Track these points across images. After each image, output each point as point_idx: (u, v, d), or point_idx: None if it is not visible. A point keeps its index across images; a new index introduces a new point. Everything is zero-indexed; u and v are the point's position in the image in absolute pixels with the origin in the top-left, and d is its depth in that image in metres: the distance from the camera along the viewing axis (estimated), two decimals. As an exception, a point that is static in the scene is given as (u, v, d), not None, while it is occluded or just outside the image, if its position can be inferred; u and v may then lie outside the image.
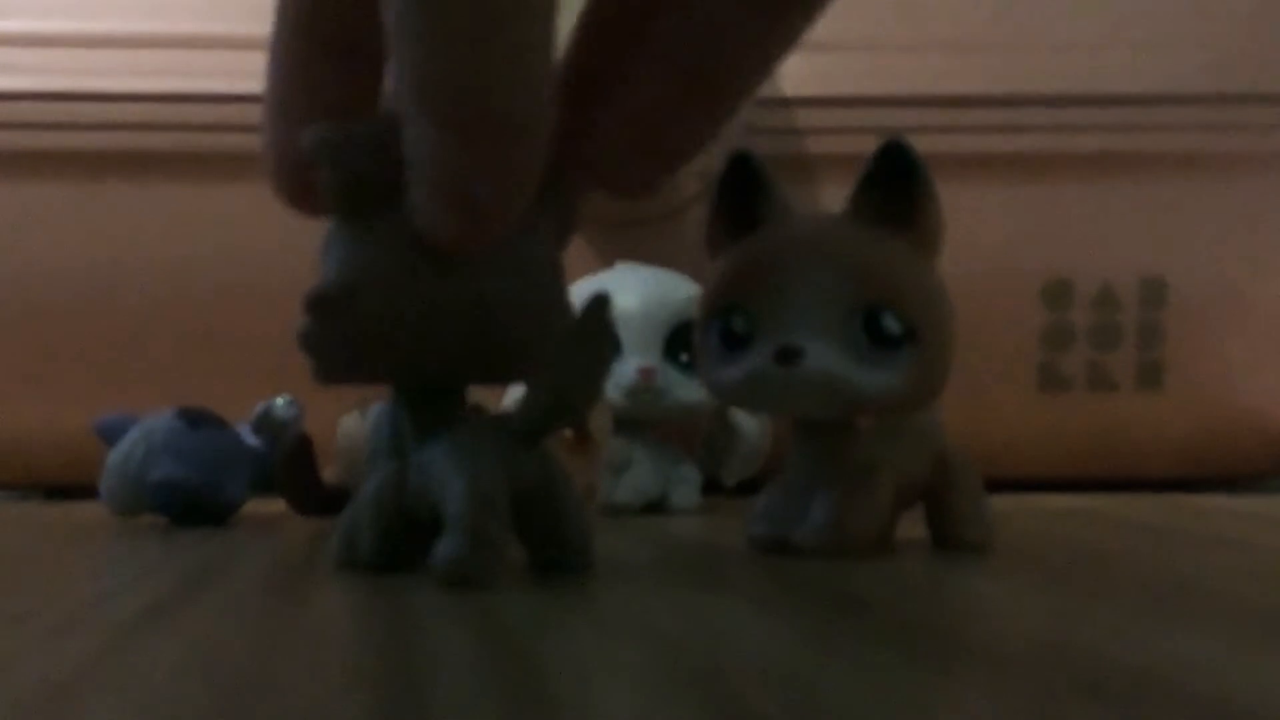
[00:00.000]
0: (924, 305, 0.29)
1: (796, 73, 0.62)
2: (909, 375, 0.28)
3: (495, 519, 0.25)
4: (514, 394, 0.43)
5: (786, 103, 0.62)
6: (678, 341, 0.47)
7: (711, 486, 0.51)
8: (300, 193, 0.27)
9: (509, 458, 0.26)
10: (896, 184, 0.29)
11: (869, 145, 0.29)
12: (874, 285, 0.28)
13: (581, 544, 0.27)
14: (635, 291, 0.47)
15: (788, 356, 0.28)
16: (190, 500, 0.41)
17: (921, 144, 0.29)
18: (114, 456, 0.42)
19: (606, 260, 0.51)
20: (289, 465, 0.41)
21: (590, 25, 0.27)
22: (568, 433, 0.41)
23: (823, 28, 0.26)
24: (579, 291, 0.33)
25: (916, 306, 0.29)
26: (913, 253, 0.29)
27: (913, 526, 0.33)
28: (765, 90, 0.61)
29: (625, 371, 0.45)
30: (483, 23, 0.21)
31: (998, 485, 0.42)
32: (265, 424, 0.43)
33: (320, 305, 0.26)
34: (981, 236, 0.62)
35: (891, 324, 0.28)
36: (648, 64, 0.26)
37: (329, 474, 0.43)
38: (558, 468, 0.27)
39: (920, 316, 0.29)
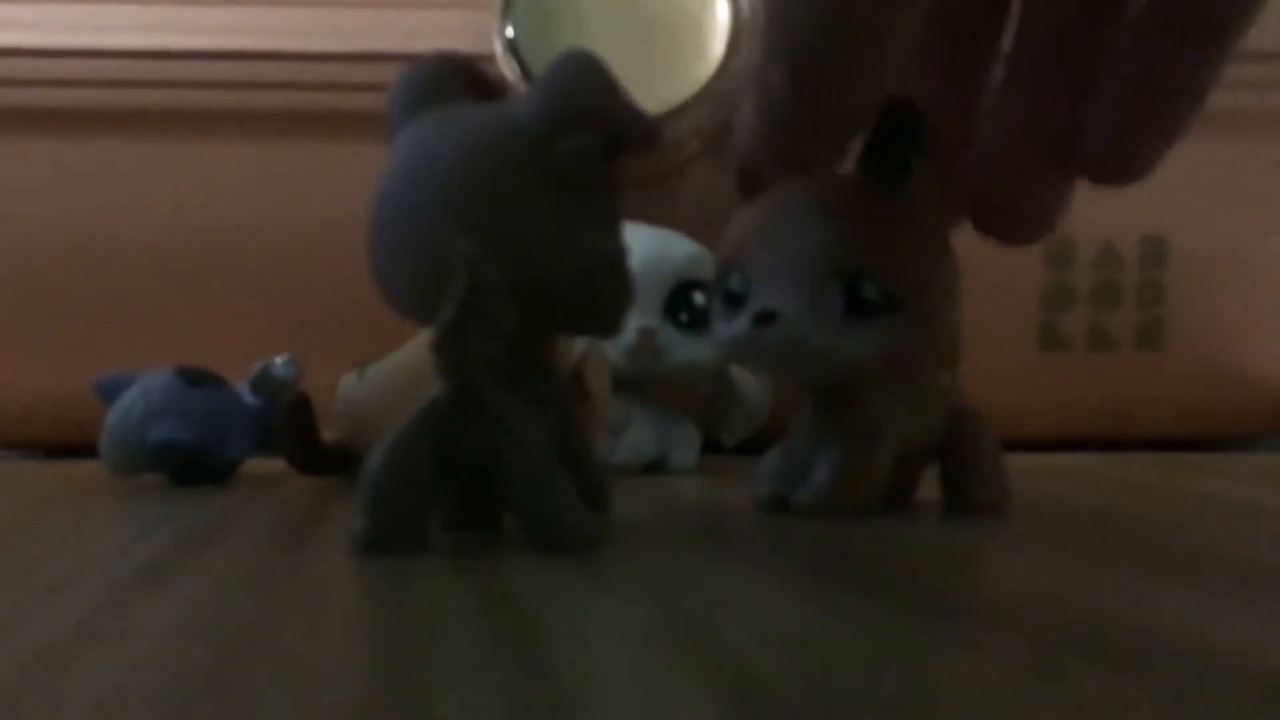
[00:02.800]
0: (909, 272, 0.28)
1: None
2: (887, 343, 0.28)
3: (401, 487, 0.25)
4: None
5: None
6: (677, 301, 0.47)
7: (711, 447, 0.51)
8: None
9: (437, 423, 0.25)
10: (896, 146, 0.28)
11: None
12: (854, 252, 0.28)
13: (542, 522, 0.25)
14: (635, 251, 0.46)
15: (762, 319, 0.28)
16: (189, 459, 0.41)
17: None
18: (113, 416, 0.42)
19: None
20: (288, 424, 0.41)
21: (1058, 19, 0.26)
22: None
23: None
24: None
25: (899, 274, 0.28)
26: (906, 218, 0.29)
27: (927, 487, 0.33)
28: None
29: (625, 332, 0.45)
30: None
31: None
32: (264, 383, 0.43)
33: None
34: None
35: (870, 292, 0.28)
36: (1124, 45, 0.25)
37: (328, 433, 0.43)
38: (519, 440, 0.25)
39: (903, 284, 0.28)
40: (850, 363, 0.28)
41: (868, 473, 0.31)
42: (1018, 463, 0.34)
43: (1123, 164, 0.26)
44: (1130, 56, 0.25)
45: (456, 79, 0.28)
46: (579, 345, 0.40)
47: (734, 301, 0.30)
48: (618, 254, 0.27)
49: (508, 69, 0.57)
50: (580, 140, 0.25)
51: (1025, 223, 0.28)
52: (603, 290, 0.26)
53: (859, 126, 0.26)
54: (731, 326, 0.30)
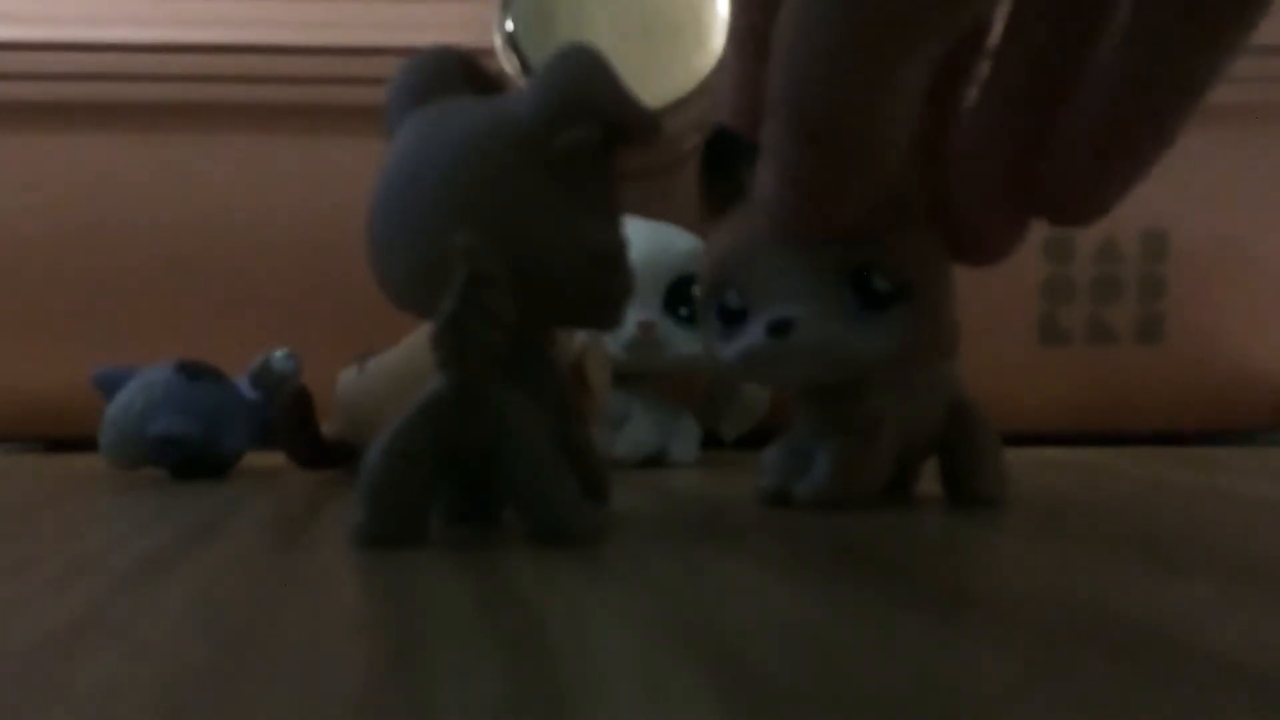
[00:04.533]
0: (913, 261, 0.28)
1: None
2: (905, 332, 0.28)
3: (401, 480, 0.25)
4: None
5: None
6: (677, 295, 0.47)
7: (711, 440, 0.51)
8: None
9: (438, 416, 0.25)
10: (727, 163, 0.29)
11: None
12: (858, 246, 0.28)
13: (542, 515, 0.25)
14: (634, 245, 0.46)
15: (779, 329, 0.28)
16: (189, 453, 0.41)
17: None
18: (113, 409, 0.42)
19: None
20: (288, 418, 0.41)
21: (1028, 53, 0.26)
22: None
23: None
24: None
25: (905, 263, 0.28)
26: (900, 208, 0.28)
27: (927, 480, 0.33)
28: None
29: (625, 325, 0.45)
30: (847, 51, 0.22)
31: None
32: (263, 377, 0.43)
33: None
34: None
35: (880, 283, 0.28)
36: (1091, 86, 0.25)
37: (328, 427, 0.43)
38: (519, 432, 0.25)
39: (910, 273, 0.28)
40: (874, 356, 0.28)
41: (869, 466, 0.31)
42: (1017, 456, 0.34)
43: (1077, 207, 0.26)
44: (1093, 99, 0.25)
45: (455, 73, 0.28)
46: (579, 338, 0.40)
47: (732, 319, 0.30)
48: (617, 247, 0.27)
49: (507, 63, 0.57)
50: (579, 133, 0.25)
51: (984, 246, 0.28)
52: (602, 283, 0.26)
53: (886, 179, 0.26)
54: (744, 340, 0.29)
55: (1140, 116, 0.25)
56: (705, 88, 0.57)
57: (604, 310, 0.27)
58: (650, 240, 0.47)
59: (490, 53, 0.57)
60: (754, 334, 0.29)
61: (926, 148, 0.28)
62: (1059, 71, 0.26)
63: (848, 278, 0.28)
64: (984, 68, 0.28)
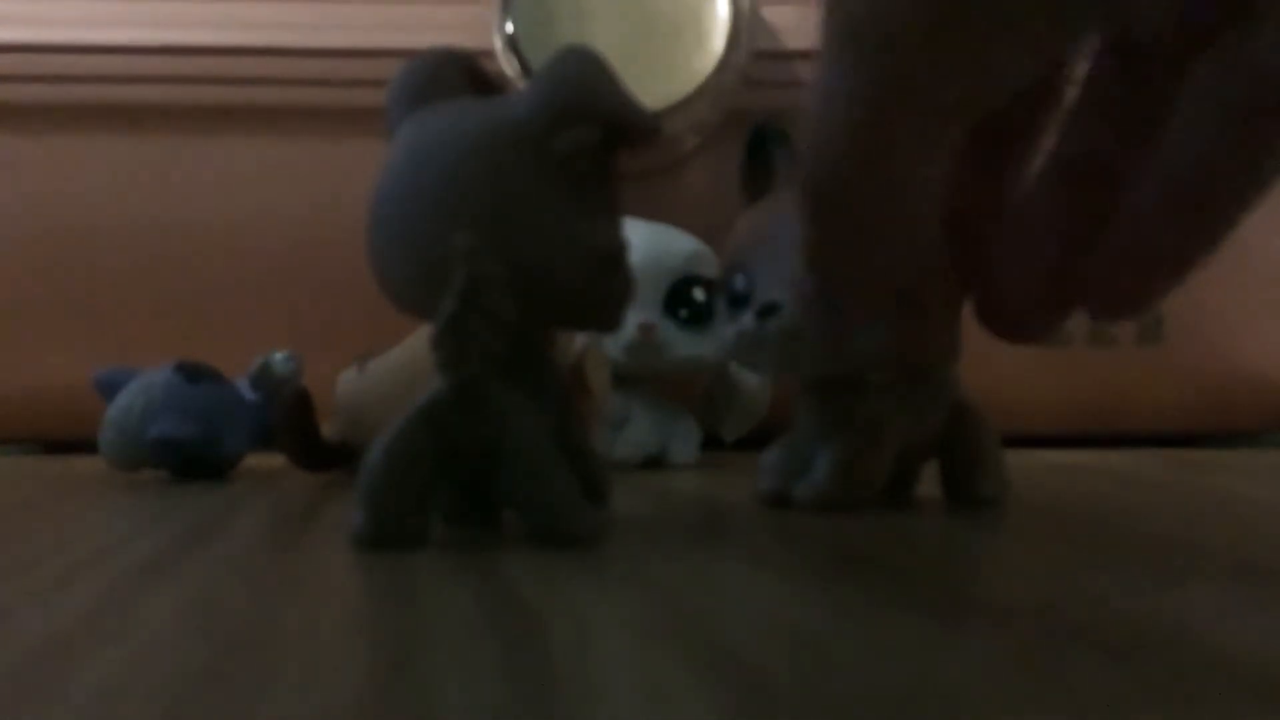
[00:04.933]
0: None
1: (795, 23, 0.61)
2: (895, 334, 0.28)
3: (401, 482, 0.25)
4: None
5: (785, 55, 0.61)
6: (677, 297, 0.47)
7: (711, 442, 0.51)
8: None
9: (438, 417, 0.25)
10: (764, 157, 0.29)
11: None
12: None
13: (542, 516, 0.25)
14: (634, 247, 0.46)
15: (765, 312, 0.29)
16: (189, 455, 0.41)
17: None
18: (113, 411, 0.42)
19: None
20: (288, 420, 0.41)
21: (1091, 137, 0.25)
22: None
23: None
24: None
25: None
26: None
27: (927, 482, 0.33)
28: (764, 43, 0.61)
29: (625, 327, 0.45)
30: (850, 128, 0.21)
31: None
32: (264, 379, 0.43)
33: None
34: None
35: (698, 293, 0.28)
36: (1151, 181, 0.24)
37: (328, 429, 0.43)
38: (519, 434, 0.25)
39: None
40: (858, 353, 0.29)
41: (869, 468, 0.31)
42: (1017, 458, 0.34)
43: (1118, 304, 0.26)
44: (1151, 194, 0.24)
45: (456, 75, 0.28)
46: (579, 340, 0.40)
47: (739, 302, 0.30)
48: (618, 248, 0.27)
49: (508, 64, 0.57)
50: (579, 134, 0.25)
51: (1021, 331, 0.27)
52: (603, 284, 0.26)
53: (911, 258, 0.25)
54: (738, 324, 0.30)
55: (1197, 217, 0.24)
56: (705, 89, 0.57)
57: (604, 312, 0.27)
58: (650, 242, 0.47)
59: (491, 54, 0.57)
60: (747, 317, 0.30)
61: (972, 223, 0.27)
62: (1122, 160, 0.25)
63: (672, 288, 0.29)
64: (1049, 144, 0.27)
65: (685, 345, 0.46)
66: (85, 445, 0.45)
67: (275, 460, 0.43)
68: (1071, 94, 0.25)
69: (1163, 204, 0.24)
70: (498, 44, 0.57)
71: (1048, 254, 0.26)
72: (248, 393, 0.43)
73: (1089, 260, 0.25)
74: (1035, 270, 0.26)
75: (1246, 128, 0.23)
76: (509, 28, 0.57)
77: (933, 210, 0.23)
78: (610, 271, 0.26)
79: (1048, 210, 0.26)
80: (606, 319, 0.27)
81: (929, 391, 0.32)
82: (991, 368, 0.63)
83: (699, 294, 0.47)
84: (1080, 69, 0.25)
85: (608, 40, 0.56)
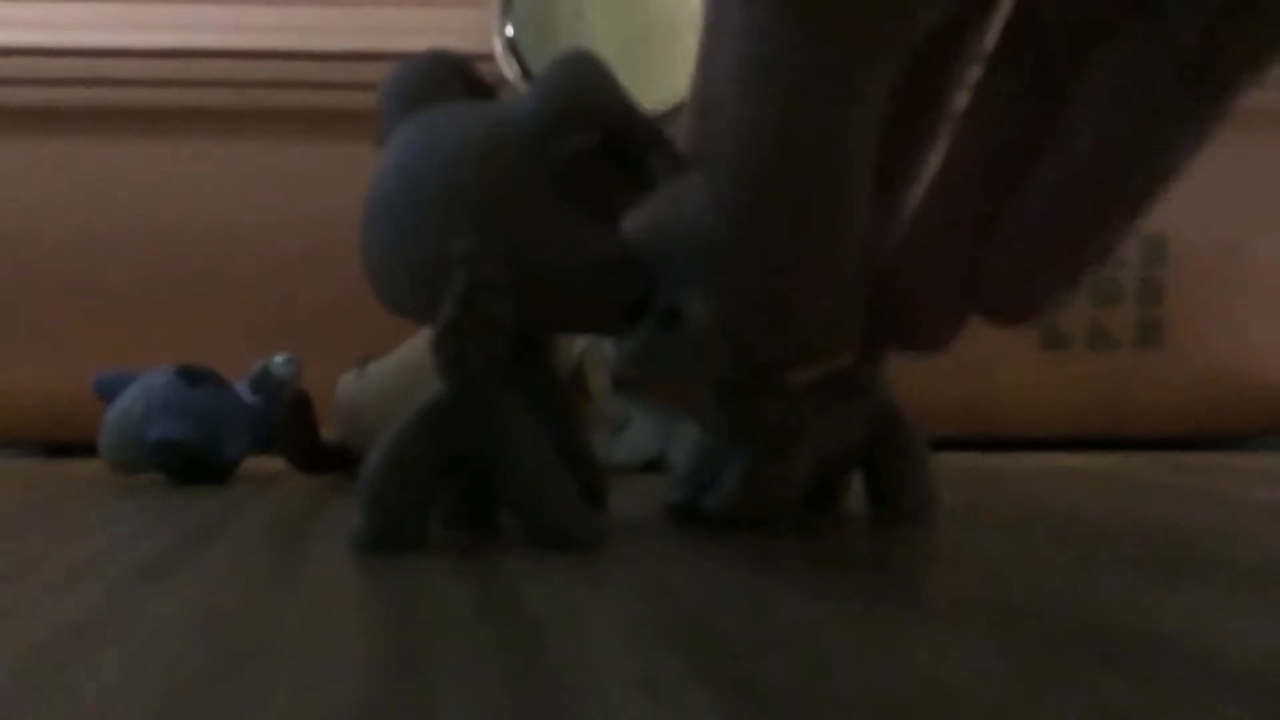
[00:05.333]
0: None
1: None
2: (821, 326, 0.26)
3: (400, 485, 0.25)
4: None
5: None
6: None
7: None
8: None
9: (437, 421, 0.25)
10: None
11: None
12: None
13: (541, 520, 0.25)
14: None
15: (668, 319, 0.26)
16: (189, 458, 0.41)
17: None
18: (113, 414, 0.42)
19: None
20: (288, 423, 0.41)
21: (990, 130, 0.24)
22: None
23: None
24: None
25: None
26: None
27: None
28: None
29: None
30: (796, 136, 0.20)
31: (998, 444, 0.42)
32: (263, 382, 0.43)
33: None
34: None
35: None
36: (1046, 168, 0.23)
37: (328, 431, 0.43)
38: (518, 438, 0.25)
39: None
40: (765, 358, 0.27)
41: (780, 476, 0.29)
42: (1018, 461, 0.34)
43: (1008, 303, 0.24)
44: (1046, 185, 0.23)
45: (450, 77, 0.28)
46: (579, 343, 0.40)
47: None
48: (620, 252, 0.27)
49: (508, 68, 0.57)
50: (581, 139, 0.25)
51: (922, 336, 0.26)
52: (605, 289, 0.26)
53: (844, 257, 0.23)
54: (635, 335, 0.27)
55: (1095, 211, 0.23)
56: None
57: (606, 316, 0.27)
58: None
59: (490, 58, 0.57)
60: (646, 325, 0.27)
61: (869, 243, 0.25)
62: (1018, 155, 0.24)
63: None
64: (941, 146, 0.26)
65: (685, 348, 0.46)
66: (85, 448, 0.45)
67: (275, 463, 0.44)
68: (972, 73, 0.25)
69: (1060, 200, 0.23)
70: (498, 47, 0.57)
71: (944, 256, 0.25)
72: (248, 396, 0.43)
73: (984, 262, 0.24)
74: (933, 267, 0.25)
75: (1154, 108, 0.22)
76: (509, 31, 0.57)
77: (870, 172, 0.22)
78: (611, 275, 0.26)
79: (942, 209, 0.25)
80: (609, 323, 0.27)
81: (848, 395, 0.30)
82: (990, 371, 0.64)
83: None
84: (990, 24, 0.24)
85: (607, 44, 0.56)
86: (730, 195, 0.22)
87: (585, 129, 0.25)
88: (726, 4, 0.21)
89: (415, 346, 0.40)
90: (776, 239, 0.22)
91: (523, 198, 0.25)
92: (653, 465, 0.48)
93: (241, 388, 0.44)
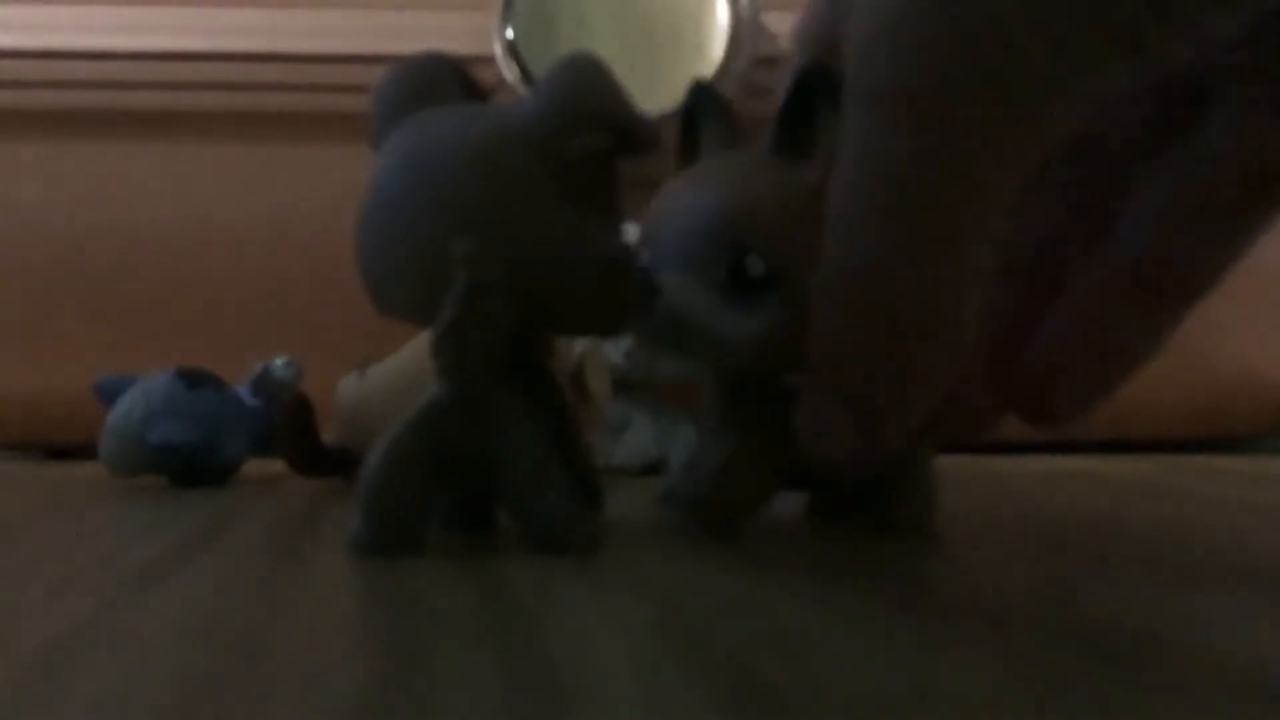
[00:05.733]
0: (800, 246, 0.25)
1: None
2: (772, 321, 0.26)
3: (399, 488, 0.25)
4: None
5: (786, 61, 0.61)
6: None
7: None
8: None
9: (436, 423, 0.25)
10: (808, 114, 0.26)
11: None
12: (738, 224, 0.26)
13: (540, 522, 0.25)
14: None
15: (648, 294, 0.26)
16: (189, 461, 0.41)
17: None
18: (113, 417, 0.42)
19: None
20: (288, 426, 0.41)
21: (1037, 224, 0.24)
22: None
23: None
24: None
25: (787, 247, 0.26)
26: (810, 190, 0.25)
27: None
28: (765, 49, 0.61)
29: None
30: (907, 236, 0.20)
31: (998, 446, 0.42)
32: (264, 384, 0.43)
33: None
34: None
35: (755, 265, 0.25)
36: (1085, 277, 0.23)
37: (328, 434, 0.42)
38: (516, 440, 0.25)
39: (790, 259, 0.25)
40: (730, 339, 0.26)
41: (760, 468, 0.28)
42: (1017, 464, 0.34)
43: (1045, 405, 0.24)
44: (1094, 285, 0.23)
45: (445, 79, 0.28)
46: (579, 346, 0.40)
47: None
48: (621, 254, 0.27)
49: (508, 71, 0.57)
50: (589, 141, 0.25)
51: (960, 424, 0.26)
52: (609, 291, 0.26)
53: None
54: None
55: (1146, 308, 0.23)
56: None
57: (609, 318, 0.27)
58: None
59: (490, 61, 0.57)
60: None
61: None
62: (1070, 250, 0.23)
63: (726, 255, 0.26)
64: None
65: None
66: (85, 451, 0.45)
67: (275, 466, 0.43)
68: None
69: (1110, 296, 0.22)
70: (498, 50, 0.57)
71: (983, 353, 0.24)
72: (248, 398, 0.43)
73: (1025, 361, 0.23)
74: (973, 356, 0.24)
75: (1196, 225, 0.22)
76: (509, 34, 0.57)
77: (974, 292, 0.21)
78: (616, 277, 0.26)
79: (987, 306, 0.24)
80: (611, 324, 0.27)
81: None
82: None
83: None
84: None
85: (608, 46, 0.56)
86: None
87: (589, 131, 0.25)
88: (852, 110, 0.20)
89: (416, 349, 0.40)
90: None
91: (526, 199, 0.25)
92: (653, 468, 0.48)
93: (242, 390, 0.44)
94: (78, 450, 0.54)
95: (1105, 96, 0.19)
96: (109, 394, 0.43)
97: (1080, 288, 0.23)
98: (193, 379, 0.42)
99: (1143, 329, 0.23)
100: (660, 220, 0.28)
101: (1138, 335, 0.23)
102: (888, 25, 0.19)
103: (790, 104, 0.26)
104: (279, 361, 0.44)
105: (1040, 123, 0.19)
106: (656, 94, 0.55)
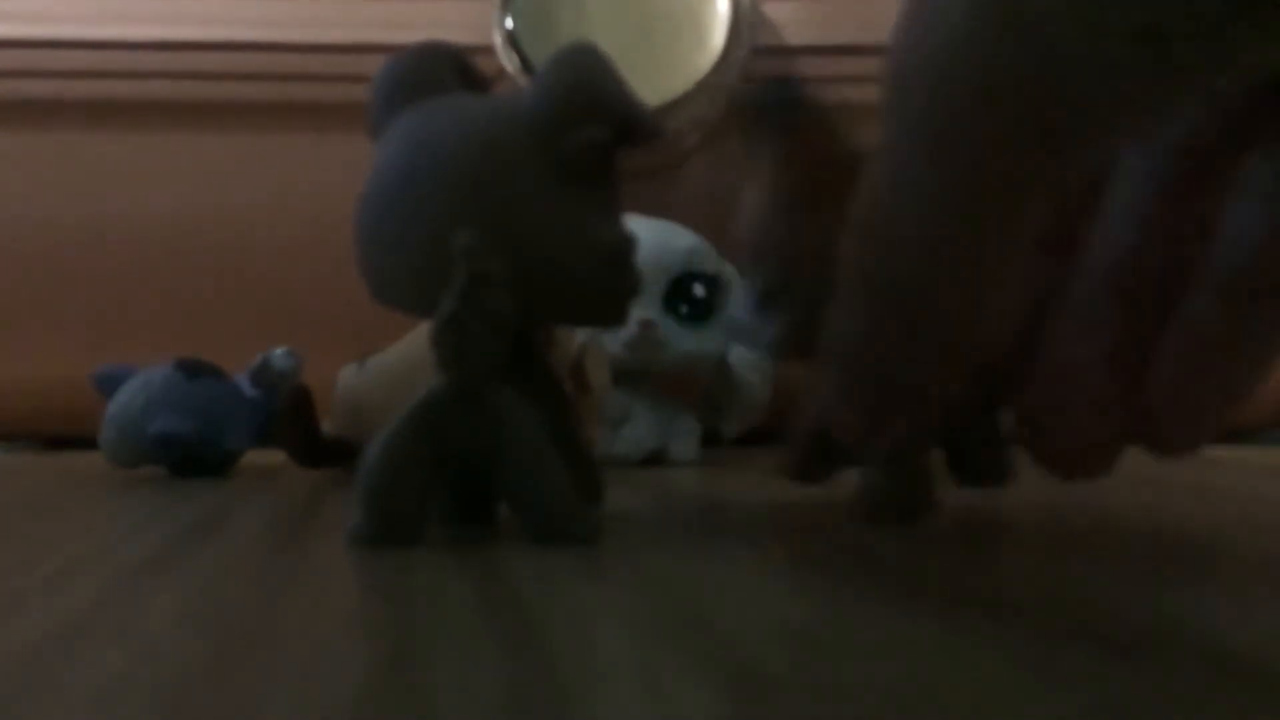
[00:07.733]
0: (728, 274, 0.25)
1: (795, 19, 0.61)
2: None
3: (398, 480, 0.25)
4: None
5: (785, 51, 0.61)
6: (678, 293, 0.47)
7: (711, 438, 0.51)
8: None
9: (436, 416, 0.25)
10: (777, 127, 0.25)
11: (870, 94, 0.27)
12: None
13: (539, 514, 0.25)
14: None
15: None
16: (189, 451, 0.41)
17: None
18: (113, 408, 0.42)
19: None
20: (288, 417, 0.41)
21: (1149, 238, 0.23)
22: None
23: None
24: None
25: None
26: (782, 204, 0.25)
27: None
28: (764, 39, 0.60)
29: (626, 324, 0.45)
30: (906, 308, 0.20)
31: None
32: (264, 375, 0.43)
33: None
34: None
35: (698, 290, 0.26)
36: (1200, 290, 0.22)
37: (328, 425, 0.42)
38: (516, 432, 0.25)
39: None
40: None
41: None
42: (1019, 456, 0.34)
43: (1185, 442, 0.23)
44: (1212, 304, 0.22)
45: (444, 70, 0.28)
46: (578, 337, 0.40)
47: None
48: (622, 244, 0.27)
49: (508, 61, 0.57)
50: (590, 132, 0.25)
51: (1075, 466, 0.24)
52: (611, 281, 0.26)
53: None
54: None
55: (1266, 312, 0.21)
56: (705, 86, 0.57)
57: (611, 308, 0.27)
58: (650, 238, 0.47)
59: (490, 51, 0.57)
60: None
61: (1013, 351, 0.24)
62: (1175, 264, 0.22)
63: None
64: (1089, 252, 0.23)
65: (685, 342, 0.46)
66: (85, 442, 0.45)
67: (275, 457, 0.43)
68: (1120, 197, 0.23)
69: (1224, 306, 0.21)
70: (498, 40, 0.57)
71: (1095, 381, 0.23)
72: (248, 389, 0.43)
73: (1143, 386, 0.22)
74: (1084, 393, 0.23)
75: None
76: (509, 24, 0.57)
77: (1001, 308, 0.21)
78: (614, 267, 0.26)
79: (1094, 331, 0.23)
80: (613, 315, 0.27)
81: None
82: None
83: (699, 290, 0.47)
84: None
85: (608, 37, 0.56)
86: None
87: (590, 121, 0.25)
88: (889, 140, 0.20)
89: (415, 340, 0.40)
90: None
91: (527, 190, 0.25)
92: (653, 459, 0.48)
93: (242, 381, 0.44)
94: (78, 441, 0.54)
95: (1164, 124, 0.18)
96: (108, 385, 0.43)
97: (1190, 304, 0.22)
98: (192, 370, 0.42)
99: (1257, 336, 0.22)
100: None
101: (1254, 345, 0.22)
102: (935, 61, 0.18)
103: (755, 119, 0.26)
104: (279, 352, 0.44)
105: (1084, 152, 0.18)
106: (657, 84, 0.55)
